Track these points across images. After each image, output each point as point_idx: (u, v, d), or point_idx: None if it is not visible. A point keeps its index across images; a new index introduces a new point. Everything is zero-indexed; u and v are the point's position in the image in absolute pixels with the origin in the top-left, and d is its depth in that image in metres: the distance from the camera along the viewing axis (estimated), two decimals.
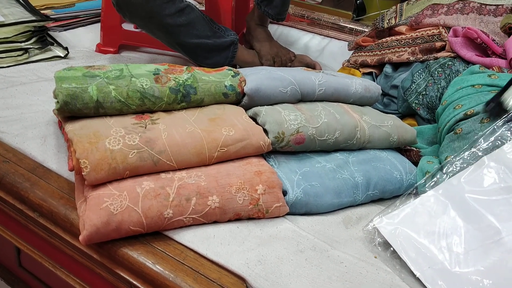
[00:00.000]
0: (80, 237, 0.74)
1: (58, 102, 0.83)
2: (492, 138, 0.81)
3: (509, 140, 0.79)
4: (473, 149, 0.81)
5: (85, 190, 0.79)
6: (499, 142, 0.80)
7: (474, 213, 0.76)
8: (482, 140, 0.81)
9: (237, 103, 0.97)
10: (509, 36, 1.11)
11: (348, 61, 1.37)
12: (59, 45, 1.45)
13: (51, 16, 1.54)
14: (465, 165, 0.81)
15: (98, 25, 1.57)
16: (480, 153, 0.80)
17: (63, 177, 0.90)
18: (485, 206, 0.76)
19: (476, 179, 0.78)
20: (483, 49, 1.11)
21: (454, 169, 0.81)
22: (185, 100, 0.91)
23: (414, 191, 0.84)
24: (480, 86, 0.96)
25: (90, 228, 0.73)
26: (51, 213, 0.84)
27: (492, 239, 0.73)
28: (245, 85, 0.95)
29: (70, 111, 0.84)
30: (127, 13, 1.23)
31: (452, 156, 0.84)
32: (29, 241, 0.95)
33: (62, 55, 1.42)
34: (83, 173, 0.76)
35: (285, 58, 1.46)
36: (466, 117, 0.92)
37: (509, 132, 0.80)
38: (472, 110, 0.92)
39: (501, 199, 0.76)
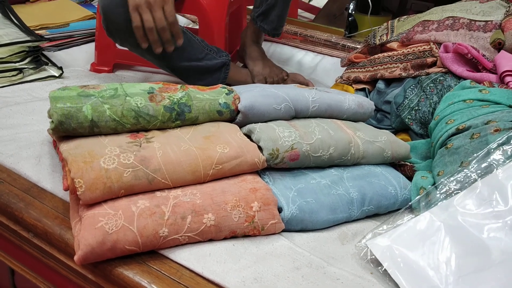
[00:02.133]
0: (75, 257, 0.74)
1: (53, 122, 0.83)
2: (486, 162, 0.81)
3: (503, 164, 0.80)
4: (466, 171, 0.82)
5: (80, 209, 0.79)
6: (494, 165, 0.81)
7: (467, 237, 0.76)
8: (476, 162, 0.82)
9: (231, 120, 0.98)
10: (498, 51, 1.12)
11: (341, 77, 1.38)
12: (54, 64, 1.46)
13: (45, 36, 1.55)
14: (458, 187, 0.81)
15: (92, 45, 1.59)
16: (474, 176, 0.81)
17: (57, 197, 0.90)
18: (478, 231, 0.76)
19: (470, 203, 0.79)
20: (474, 64, 1.13)
21: (449, 190, 0.82)
22: (180, 118, 0.91)
23: (408, 209, 0.84)
24: (472, 101, 0.97)
25: (85, 248, 0.73)
26: (46, 233, 0.83)
27: (484, 266, 0.73)
28: (239, 102, 0.96)
29: (65, 130, 0.84)
30: (117, 39, 1.24)
31: (446, 177, 0.84)
32: (23, 261, 0.94)
33: (57, 75, 1.42)
34: (78, 193, 0.76)
35: (278, 78, 1.47)
36: (458, 131, 0.93)
37: (502, 156, 0.81)
38: (463, 124, 0.93)
39: (494, 224, 0.76)
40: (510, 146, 0.81)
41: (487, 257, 0.73)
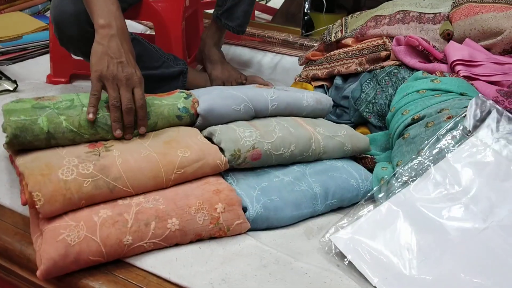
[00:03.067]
0: (38, 273, 0.72)
1: (7, 136, 0.81)
2: (437, 147, 0.84)
3: (453, 149, 0.83)
4: (420, 158, 0.84)
5: (41, 223, 0.77)
6: (444, 151, 0.83)
7: (425, 221, 0.79)
8: (428, 149, 0.85)
9: (191, 124, 0.98)
10: (448, 42, 1.16)
11: (300, 75, 1.40)
12: (8, 78, 1.42)
13: None
14: (413, 174, 0.84)
15: (47, 56, 1.55)
16: (427, 162, 0.84)
17: (17, 213, 0.88)
18: (436, 214, 0.79)
19: (425, 188, 0.82)
20: (425, 55, 1.16)
21: (404, 179, 0.84)
22: None
23: (367, 199, 0.86)
24: (424, 91, 1.00)
25: (48, 262, 0.71)
26: (6, 250, 0.81)
27: (444, 247, 0.76)
28: (198, 106, 0.96)
29: (21, 144, 0.82)
30: (70, 48, 1.22)
31: (402, 164, 0.87)
32: None
33: (11, 89, 1.39)
34: (36, 206, 0.74)
35: (236, 82, 1.48)
36: (414, 121, 0.96)
37: (452, 141, 0.84)
38: (418, 114, 0.95)
39: (450, 206, 0.79)
40: (458, 131, 0.84)
41: (446, 238, 0.76)
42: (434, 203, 0.79)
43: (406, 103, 1.00)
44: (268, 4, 2.37)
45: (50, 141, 0.84)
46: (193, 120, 0.97)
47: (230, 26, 1.47)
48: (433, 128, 0.90)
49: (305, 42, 1.73)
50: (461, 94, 0.98)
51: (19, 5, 1.89)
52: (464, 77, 1.05)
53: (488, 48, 1.13)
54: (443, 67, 1.11)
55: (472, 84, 1.03)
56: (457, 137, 0.83)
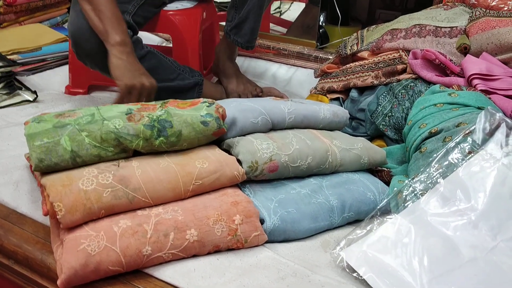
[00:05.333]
0: (58, 282, 0.73)
1: (32, 161, 0.81)
2: (447, 161, 0.84)
3: (462, 162, 0.83)
4: (430, 171, 0.84)
5: (61, 233, 0.78)
6: (453, 164, 0.83)
7: (436, 236, 0.78)
8: (437, 163, 0.85)
9: (218, 129, 0.92)
10: (465, 56, 1.16)
11: (315, 88, 1.41)
12: (28, 89, 1.45)
13: (18, 61, 1.54)
14: (424, 187, 0.83)
15: (66, 67, 1.58)
16: (437, 176, 0.83)
17: (38, 222, 0.89)
18: (446, 229, 0.78)
19: (435, 203, 0.81)
20: (442, 69, 1.16)
21: (416, 192, 0.84)
22: (162, 134, 0.88)
23: (380, 212, 0.86)
24: (442, 104, 1.00)
25: (68, 271, 0.72)
26: (27, 259, 0.82)
27: (455, 264, 0.75)
28: (222, 110, 0.94)
29: (48, 167, 0.80)
30: (87, 62, 1.25)
31: (415, 178, 0.86)
32: None
33: (31, 99, 1.41)
34: (58, 217, 0.75)
35: (252, 94, 1.49)
36: (431, 135, 0.96)
37: (461, 154, 0.83)
38: (436, 128, 0.95)
39: (459, 221, 0.79)
40: (467, 144, 0.84)
41: (457, 255, 0.76)
42: (444, 218, 0.79)
43: (423, 117, 1.00)
44: (283, 17, 2.39)
45: (76, 160, 0.82)
46: (220, 124, 0.92)
47: (239, 42, 1.48)
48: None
49: (320, 55, 1.73)
50: (479, 108, 0.97)
51: (38, 17, 1.93)
52: (482, 91, 1.05)
53: (505, 62, 1.13)
54: (460, 81, 1.11)
55: (489, 98, 1.03)
56: (466, 150, 0.83)
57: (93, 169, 0.82)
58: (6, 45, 1.62)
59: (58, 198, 0.76)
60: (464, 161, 0.83)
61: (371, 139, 1.22)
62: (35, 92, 1.43)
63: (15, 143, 1.14)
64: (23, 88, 1.45)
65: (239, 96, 1.48)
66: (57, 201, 0.76)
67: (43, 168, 0.81)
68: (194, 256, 0.81)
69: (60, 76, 1.61)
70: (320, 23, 1.86)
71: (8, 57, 1.51)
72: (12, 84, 1.41)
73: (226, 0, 2.18)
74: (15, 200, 0.94)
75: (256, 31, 1.50)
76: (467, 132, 0.90)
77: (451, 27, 1.23)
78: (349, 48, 1.38)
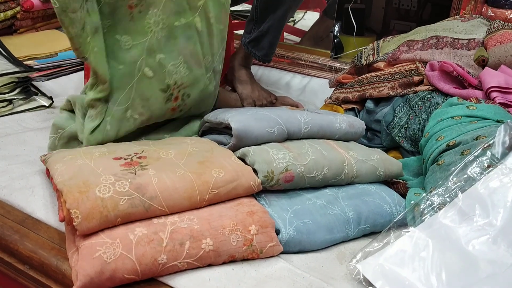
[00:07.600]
0: None
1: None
2: (466, 175, 0.83)
3: (480, 176, 0.82)
4: (448, 184, 0.83)
5: (77, 239, 0.78)
6: (472, 178, 0.82)
7: (454, 251, 0.77)
8: (456, 176, 0.84)
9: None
10: (483, 68, 1.15)
11: (330, 98, 1.40)
12: (43, 94, 1.46)
13: (34, 67, 1.55)
14: (442, 201, 0.83)
15: (81, 73, 1.59)
16: (455, 190, 0.82)
17: (53, 228, 0.89)
18: (464, 244, 0.77)
19: (453, 217, 0.80)
20: (460, 81, 1.15)
21: (434, 205, 0.83)
22: None
23: (397, 225, 0.85)
24: (460, 117, 0.99)
25: (84, 279, 0.72)
26: (42, 264, 0.82)
27: (472, 280, 0.74)
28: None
29: None
30: None
31: (433, 191, 0.86)
32: None
33: (47, 105, 1.42)
34: (74, 223, 0.75)
35: (267, 101, 1.49)
36: (449, 148, 0.95)
37: (479, 168, 0.83)
38: (454, 141, 0.94)
39: (477, 237, 0.77)
40: (486, 157, 0.83)
41: (475, 270, 0.74)
42: (462, 233, 0.78)
43: (441, 129, 0.99)
44: (296, 26, 2.39)
45: None
46: None
47: (256, 55, 1.48)
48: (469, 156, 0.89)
49: (335, 65, 1.73)
50: (498, 121, 0.96)
51: (54, 24, 1.94)
52: (500, 104, 1.04)
53: None
54: (478, 93, 1.10)
55: (508, 111, 1.02)
56: (485, 164, 0.82)
57: (110, 176, 0.82)
58: (22, 51, 1.64)
59: (75, 205, 0.76)
60: (482, 175, 0.82)
61: (387, 150, 1.21)
62: (50, 98, 1.44)
63: (30, 148, 1.15)
64: (39, 94, 1.46)
65: (254, 102, 1.48)
66: (74, 208, 0.76)
67: None
68: (209, 265, 0.81)
69: (75, 82, 1.62)
70: (335, 33, 1.85)
71: (25, 62, 1.52)
72: (28, 90, 1.42)
73: (240, 9, 2.20)
74: (31, 205, 0.94)
75: (275, 46, 1.50)
76: (486, 145, 0.89)
77: (469, 39, 1.22)
78: (365, 58, 1.37)
